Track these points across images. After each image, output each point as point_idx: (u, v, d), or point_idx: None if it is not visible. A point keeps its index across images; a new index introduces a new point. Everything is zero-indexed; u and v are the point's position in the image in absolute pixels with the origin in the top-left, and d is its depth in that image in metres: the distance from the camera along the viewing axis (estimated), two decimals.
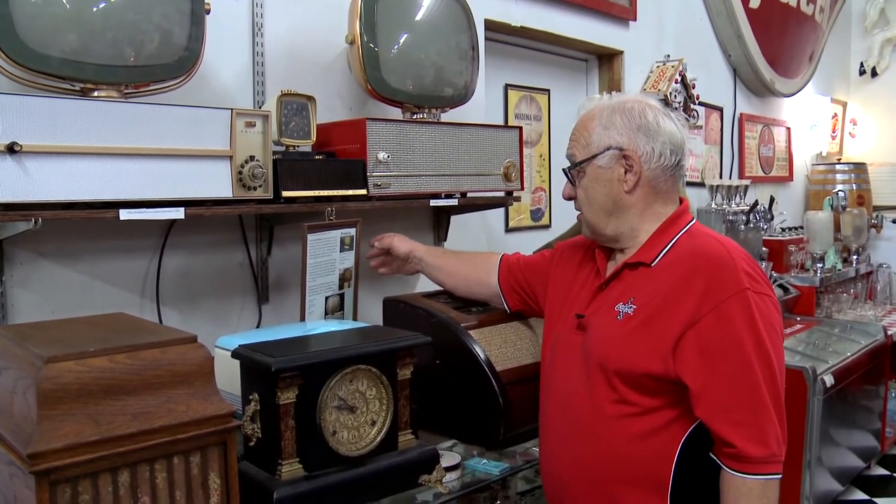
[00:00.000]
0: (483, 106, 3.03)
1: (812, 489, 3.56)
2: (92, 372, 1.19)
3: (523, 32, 3.35)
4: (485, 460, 1.85)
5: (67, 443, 1.13)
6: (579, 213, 1.79)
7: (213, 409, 1.31)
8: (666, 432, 1.61)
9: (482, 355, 1.86)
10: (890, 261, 5.66)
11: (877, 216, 5.59)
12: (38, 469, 1.10)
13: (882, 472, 4.59)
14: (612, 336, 1.65)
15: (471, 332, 1.92)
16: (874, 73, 6.66)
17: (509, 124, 3.39)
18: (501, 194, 2.66)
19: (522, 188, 2.65)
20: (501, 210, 3.37)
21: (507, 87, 3.44)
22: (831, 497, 3.98)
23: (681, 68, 3.98)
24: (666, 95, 3.88)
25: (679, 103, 3.97)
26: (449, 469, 1.74)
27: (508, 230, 3.47)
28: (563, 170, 1.79)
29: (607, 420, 1.64)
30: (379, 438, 1.59)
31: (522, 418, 1.90)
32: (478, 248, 3.08)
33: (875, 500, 4.20)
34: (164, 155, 1.78)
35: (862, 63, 6.71)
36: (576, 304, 1.79)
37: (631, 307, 1.64)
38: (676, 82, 3.94)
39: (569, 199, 1.81)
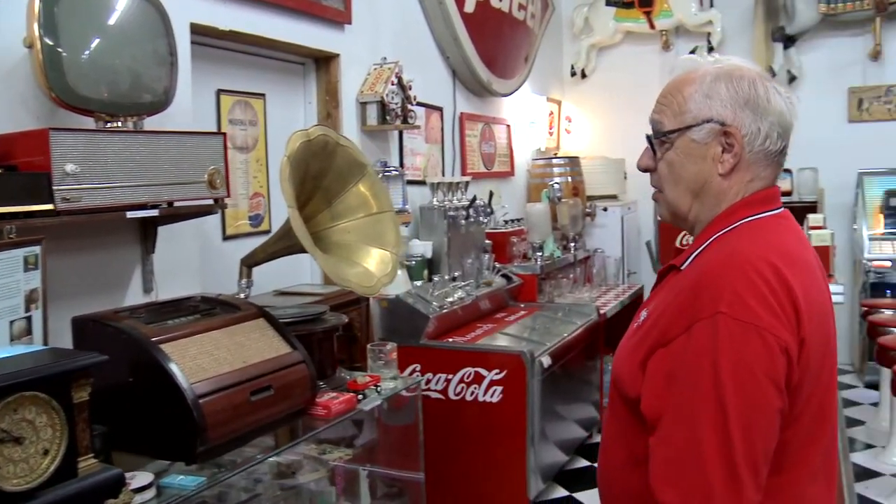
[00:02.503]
0: (190, 112, 2.96)
1: (537, 462, 3.80)
2: None
3: (233, 36, 3.31)
4: (182, 476, 1.81)
5: None
6: (658, 194, 1.55)
7: None
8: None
9: (172, 369, 1.82)
10: (604, 245, 6.17)
11: (590, 205, 6.07)
12: None
13: None
14: (622, 346, 1.49)
15: (161, 346, 1.87)
16: (584, 75, 7.24)
17: (222, 130, 3.33)
18: (210, 202, 2.61)
19: (228, 195, 2.62)
20: (217, 217, 3.31)
21: (219, 92, 3.38)
22: (557, 467, 4.28)
23: (397, 70, 4.10)
24: (383, 97, 3.98)
25: (397, 104, 4.09)
26: (139, 490, 1.69)
27: (226, 238, 3.41)
28: (647, 137, 1.52)
29: (610, 437, 1.51)
30: (53, 468, 1.51)
31: (224, 428, 1.89)
32: (191, 258, 3.00)
33: (596, 465, 4.55)
34: None
35: (573, 65, 7.27)
36: None
37: (644, 315, 1.47)
38: (393, 84, 4.05)
39: (645, 170, 1.55)
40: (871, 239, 6.05)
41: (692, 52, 6.83)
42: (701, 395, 1.26)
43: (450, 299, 4.07)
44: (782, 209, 1.50)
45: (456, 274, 4.26)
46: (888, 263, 5.80)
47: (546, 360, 3.86)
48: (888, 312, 5.03)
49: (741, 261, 1.33)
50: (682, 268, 1.44)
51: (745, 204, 1.46)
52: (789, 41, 6.59)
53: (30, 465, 1.49)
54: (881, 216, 6.14)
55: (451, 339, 3.94)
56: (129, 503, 1.61)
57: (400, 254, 2.56)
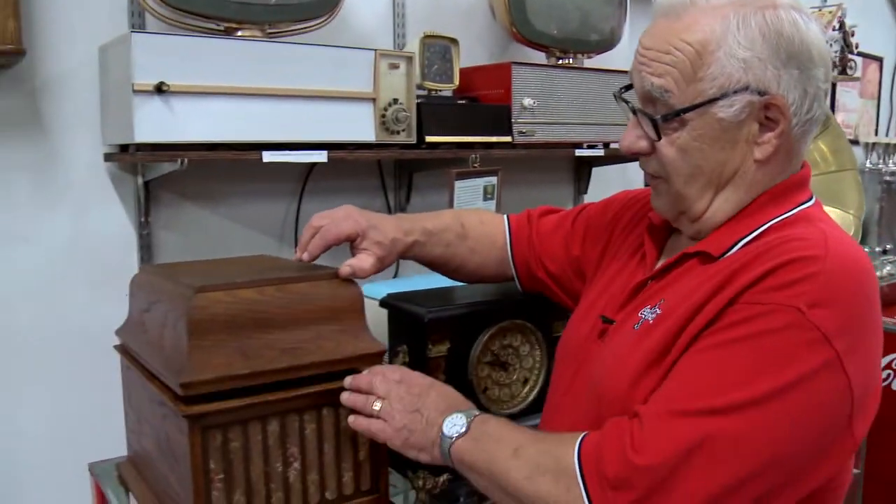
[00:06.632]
0: (628, 53, 2.86)
1: None
2: (241, 304, 1.12)
3: None
4: None
5: (217, 375, 1.07)
6: (657, 180, 1.10)
7: (364, 347, 1.21)
8: None
9: None
10: None
11: None
12: (191, 413, 1.05)
13: None
14: (617, 355, 1.07)
15: None
16: None
17: None
18: None
19: None
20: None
21: None
22: None
23: (840, 14, 3.67)
24: None
25: (836, 53, 3.67)
26: None
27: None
28: (642, 111, 1.06)
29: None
30: (531, 398, 1.49)
31: None
32: None
33: None
34: (307, 96, 1.72)
35: None
36: (607, 302, 1.19)
37: (655, 311, 1.05)
38: (834, 29, 3.64)
39: (636, 154, 1.09)
40: None
41: None
42: (742, 371, 0.90)
43: (878, 274, 3.61)
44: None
45: (887, 246, 3.78)
46: None
47: None
48: None
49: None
50: (722, 258, 1.02)
51: (789, 187, 1.05)
52: None
53: (511, 392, 1.49)
54: None
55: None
56: None
57: (861, 217, 2.26)
